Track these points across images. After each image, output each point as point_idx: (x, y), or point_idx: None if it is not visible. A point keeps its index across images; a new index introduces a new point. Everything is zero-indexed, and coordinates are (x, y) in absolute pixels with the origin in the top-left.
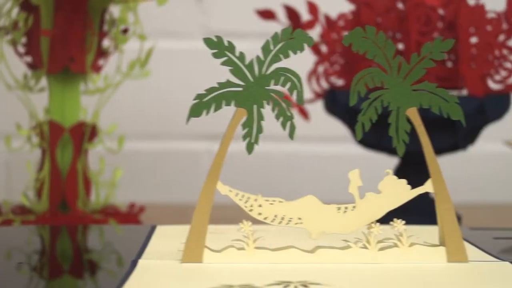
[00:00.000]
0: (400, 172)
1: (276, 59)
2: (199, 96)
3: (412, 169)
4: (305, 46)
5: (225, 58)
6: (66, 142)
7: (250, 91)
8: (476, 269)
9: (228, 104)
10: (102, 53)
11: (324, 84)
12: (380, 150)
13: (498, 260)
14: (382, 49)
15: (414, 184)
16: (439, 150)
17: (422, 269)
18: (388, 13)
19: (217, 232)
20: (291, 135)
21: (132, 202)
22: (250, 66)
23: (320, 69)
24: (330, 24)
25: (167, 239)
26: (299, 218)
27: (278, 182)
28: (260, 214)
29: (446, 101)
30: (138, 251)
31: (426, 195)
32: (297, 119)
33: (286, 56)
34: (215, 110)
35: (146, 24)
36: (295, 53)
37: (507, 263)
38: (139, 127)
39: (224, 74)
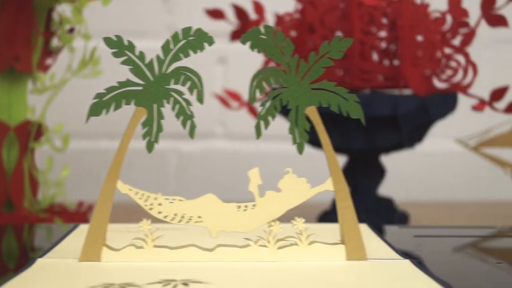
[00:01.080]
0: (347, 170)
1: (176, 58)
2: (99, 95)
3: (359, 166)
4: (206, 45)
5: (125, 58)
6: (12, 141)
7: (150, 90)
8: (372, 267)
9: (128, 103)
10: (50, 52)
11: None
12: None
13: (399, 258)
14: (280, 48)
15: (361, 181)
16: (384, 148)
17: (319, 267)
18: (332, 12)
19: (130, 230)
20: (191, 133)
21: (81, 201)
22: (150, 65)
23: None
24: (279, 22)
25: (81, 238)
26: (199, 217)
27: (225, 179)
28: (160, 212)
29: (346, 99)
30: (46, 250)
31: (371, 193)
32: (248, 118)
33: (186, 55)
34: (115, 109)
35: (111, 24)
36: (195, 52)
37: (406, 261)
38: (98, 127)
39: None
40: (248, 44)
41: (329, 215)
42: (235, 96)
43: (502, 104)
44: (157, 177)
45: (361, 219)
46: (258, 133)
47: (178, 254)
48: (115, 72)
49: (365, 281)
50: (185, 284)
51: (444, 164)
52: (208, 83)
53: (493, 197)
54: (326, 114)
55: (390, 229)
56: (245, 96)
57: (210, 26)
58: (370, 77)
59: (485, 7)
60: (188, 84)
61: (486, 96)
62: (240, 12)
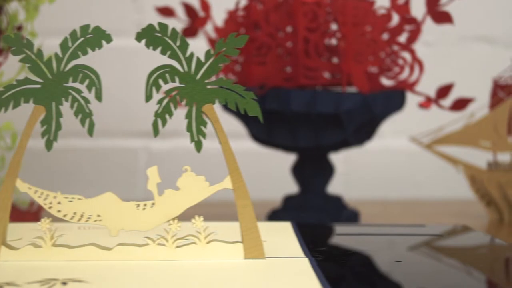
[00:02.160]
0: (296, 168)
1: (74, 56)
2: None
3: (307, 164)
4: (104, 43)
5: (23, 55)
6: None
7: (48, 88)
8: (267, 266)
9: (26, 102)
10: (0, 50)
11: None
12: (274, 147)
13: (298, 257)
14: (176, 46)
15: (311, 178)
16: (331, 146)
17: (215, 266)
18: (278, 9)
19: (34, 229)
20: (90, 131)
21: (32, 200)
22: (48, 63)
23: None
24: (230, 19)
25: None
26: (98, 216)
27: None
28: (59, 211)
29: (243, 97)
30: None
31: (319, 191)
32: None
33: (84, 53)
34: (14, 107)
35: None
36: (93, 50)
37: (305, 260)
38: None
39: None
40: (143, 42)
41: (278, 214)
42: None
43: (448, 101)
44: (127, 176)
45: (308, 217)
46: (156, 131)
47: (77, 253)
48: None
49: (249, 278)
50: (64, 283)
51: (397, 162)
52: None
53: (447, 195)
54: (273, 113)
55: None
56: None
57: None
58: (315, 74)
59: (430, 4)
60: (87, 82)
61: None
62: (189, 10)
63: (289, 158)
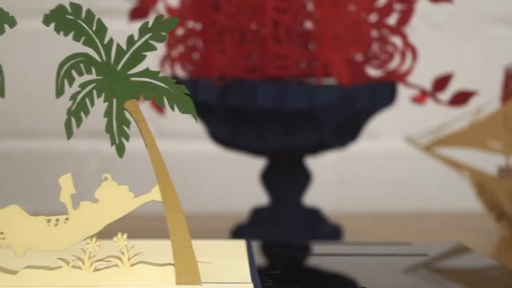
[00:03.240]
0: (266, 175)
1: None
2: None
3: (279, 171)
4: (6, 27)
5: None
6: None
7: None
8: None
9: None
10: None
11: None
12: (239, 149)
13: (243, 282)
14: (92, 31)
15: (283, 187)
16: (306, 148)
17: None
18: None
19: None
20: None
21: None
22: None
23: (174, 54)
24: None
25: None
26: (1, 233)
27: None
28: None
29: (173, 92)
30: None
31: (293, 202)
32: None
33: None
34: None
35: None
36: None
37: (249, 285)
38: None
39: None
40: (52, 25)
41: (244, 229)
42: None
43: (446, 95)
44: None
45: (280, 234)
46: (69, 132)
47: None
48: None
49: None
50: None
51: (389, 167)
52: None
53: (450, 207)
54: (236, 109)
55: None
56: None
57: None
58: (286, 63)
59: None
60: None
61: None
62: None
63: (257, 163)
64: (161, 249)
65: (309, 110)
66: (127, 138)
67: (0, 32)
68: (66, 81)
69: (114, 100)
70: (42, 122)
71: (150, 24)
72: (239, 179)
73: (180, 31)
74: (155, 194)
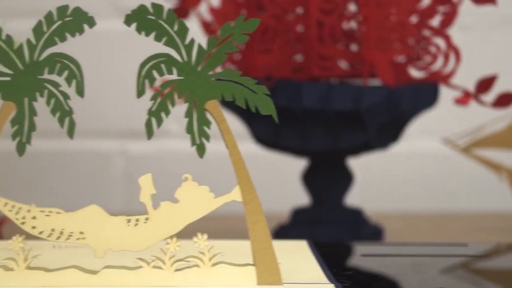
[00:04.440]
0: (307, 176)
1: (50, 42)
2: None
3: (321, 171)
4: (86, 27)
5: None
6: None
7: (19, 81)
8: None
9: None
10: None
11: None
12: (281, 150)
13: (323, 283)
14: (173, 31)
15: (325, 188)
16: (349, 149)
17: None
18: None
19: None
20: (70, 132)
21: None
22: (19, 52)
23: None
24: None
25: None
26: (81, 233)
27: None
28: (34, 227)
29: (254, 92)
30: None
31: (335, 203)
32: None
33: (63, 39)
34: None
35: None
36: (73, 35)
37: (330, 286)
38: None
39: (143, 54)
40: (133, 26)
41: (286, 230)
42: None
43: (490, 96)
44: (100, 185)
45: (323, 234)
46: (149, 133)
47: (56, 277)
48: None
49: None
50: None
51: (428, 168)
52: None
53: (486, 208)
54: (281, 110)
55: (347, 247)
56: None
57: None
58: (330, 64)
59: None
60: (65, 74)
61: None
62: None
63: (299, 164)
64: (238, 249)
65: (355, 111)
66: (207, 139)
67: (79, 32)
68: (147, 82)
69: (195, 101)
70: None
71: (232, 25)
72: (279, 180)
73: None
74: (236, 195)
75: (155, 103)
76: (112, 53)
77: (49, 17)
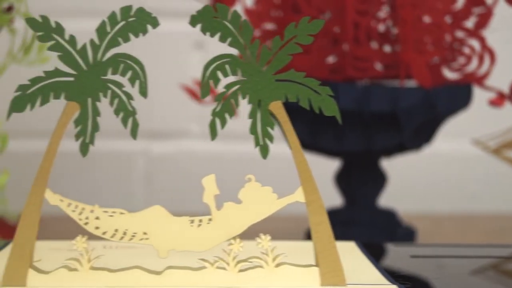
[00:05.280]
0: (341, 176)
1: (114, 43)
2: (22, 88)
3: (355, 172)
4: (149, 27)
5: (52, 42)
6: None
7: (83, 82)
8: None
9: (57, 97)
10: None
11: None
12: (315, 150)
13: (386, 284)
14: (237, 32)
15: (357, 189)
16: (384, 150)
17: None
18: None
19: (61, 248)
20: (133, 133)
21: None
22: (83, 52)
23: None
24: (260, 0)
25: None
26: (145, 233)
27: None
28: (97, 228)
29: (318, 93)
30: None
31: (369, 204)
32: (200, 114)
33: (126, 39)
34: (42, 103)
35: (67, 3)
36: (136, 36)
37: (393, 287)
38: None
39: (161, 55)
40: (198, 27)
41: None
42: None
43: None
44: (121, 185)
45: (356, 235)
46: (213, 133)
47: (120, 278)
48: None
49: None
50: None
51: (458, 170)
52: (182, 72)
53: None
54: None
55: (390, 248)
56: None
57: (183, 4)
58: (366, 65)
59: None
60: (129, 74)
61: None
62: None
63: (331, 165)
64: (297, 250)
65: (391, 112)
66: (271, 140)
67: (143, 32)
68: (211, 82)
69: (259, 102)
70: None
71: (296, 26)
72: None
73: (256, 33)
74: (299, 196)
75: (219, 104)
76: (134, 54)
77: (112, 17)
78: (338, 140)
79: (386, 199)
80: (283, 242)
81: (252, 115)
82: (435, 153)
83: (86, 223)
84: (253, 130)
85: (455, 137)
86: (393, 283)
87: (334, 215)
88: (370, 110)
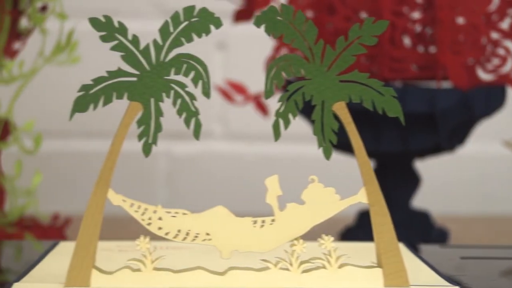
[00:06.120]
0: (376, 176)
1: (177, 43)
2: (85, 88)
3: (389, 173)
4: (212, 27)
5: (115, 42)
6: None
7: (145, 82)
8: None
9: (120, 97)
10: (18, 34)
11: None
12: (348, 151)
13: (448, 285)
14: (301, 32)
15: (391, 190)
16: (419, 151)
17: None
18: None
19: (123, 249)
20: (196, 133)
21: (56, 213)
22: (145, 52)
23: None
24: (293, 1)
25: (64, 258)
26: (207, 234)
27: (226, 188)
28: (160, 228)
29: (381, 94)
30: (23, 273)
31: (403, 205)
32: (255, 115)
33: (189, 39)
34: (104, 104)
35: (89, 2)
36: (199, 36)
37: None
38: (75, 125)
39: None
40: (262, 27)
41: (353, 232)
42: (239, 88)
43: None
44: (143, 186)
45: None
46: (277, 134)
47: (183, 278)
48: (95, 59)
49: None
50: None
51: (491, 171)
52: None
53: None
54: (354, 112)
55: (427, 249)
56: (251, 88)
57: (206, 4)
58: (402, 66)
59: None
60: (192, 74)
61: None
62: None
63: None
64: (358, 251)
65: (428, 113)
66: (334, 141)
67: (206, 33)
68: (275, 82)
69: (323, 102)
70: (112, 123)
71: (360, 26)
72: (344, 181)
73: None
74: (362, 196)
75: (282, 105)
76: None
77: (175, 17)
78: (375, 140)
79: (419, 200)
80: (339, 243)
81: (316, 116)
82: (467, 154)
83: (149, 224)
84: (316, 131)
85: (487, 139)
86: (455, 285)
87: (367, 217)
88: (408, 111)
